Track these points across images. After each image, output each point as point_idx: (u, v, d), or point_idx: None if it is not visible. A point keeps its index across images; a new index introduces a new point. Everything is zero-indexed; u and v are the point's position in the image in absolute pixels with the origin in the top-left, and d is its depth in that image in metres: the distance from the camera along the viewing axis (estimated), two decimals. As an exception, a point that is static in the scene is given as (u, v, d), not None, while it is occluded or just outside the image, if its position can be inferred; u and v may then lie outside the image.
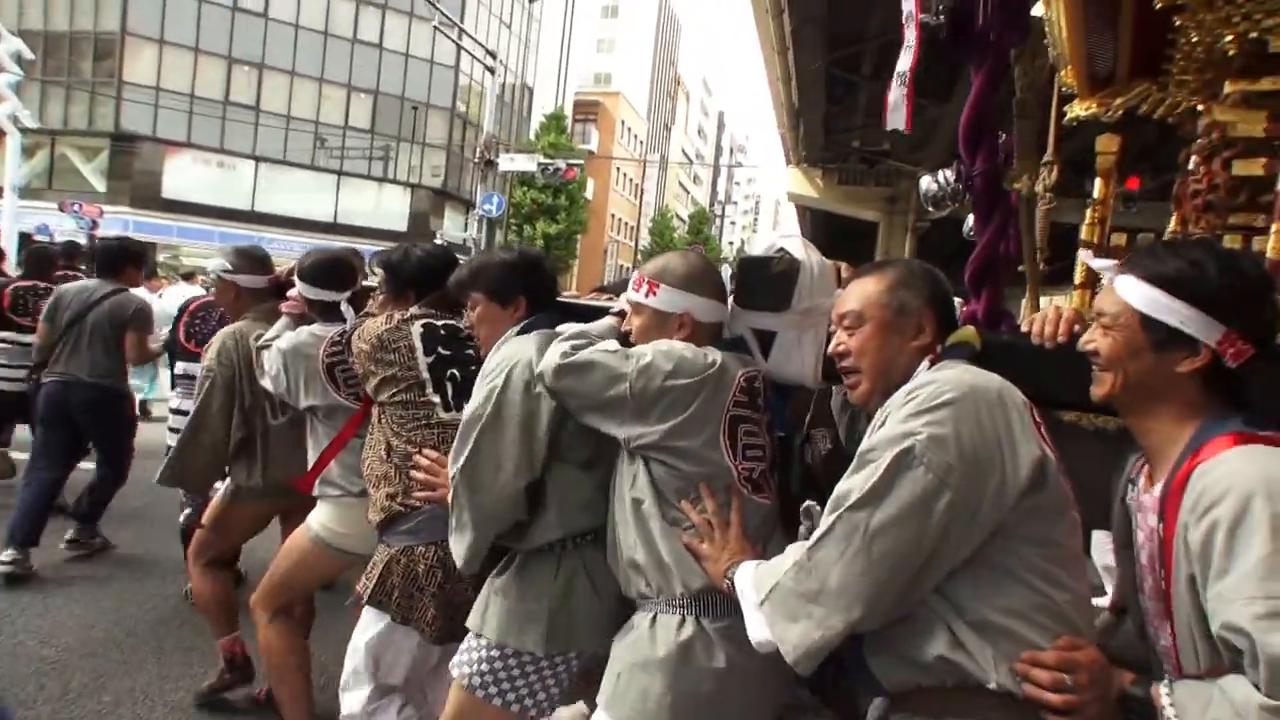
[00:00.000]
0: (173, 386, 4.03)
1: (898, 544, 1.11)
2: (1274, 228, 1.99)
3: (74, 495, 4.03)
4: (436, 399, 1.97)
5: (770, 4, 9.36)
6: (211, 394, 2.58)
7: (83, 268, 5.97)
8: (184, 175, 24.48)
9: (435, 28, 17.07)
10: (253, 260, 2.80)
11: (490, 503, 1.59)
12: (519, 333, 1.74)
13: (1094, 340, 1.19)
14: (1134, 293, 1.14)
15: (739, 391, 1.47)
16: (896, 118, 2.09)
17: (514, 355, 1.65)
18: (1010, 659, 1.10)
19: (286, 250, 16.23)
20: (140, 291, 4.47)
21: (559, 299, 1.95)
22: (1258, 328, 1.10)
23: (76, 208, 17.27)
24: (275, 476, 2.59)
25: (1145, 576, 1.17)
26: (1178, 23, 2.32)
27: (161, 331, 4.30)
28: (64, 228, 16.28)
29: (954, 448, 1.11)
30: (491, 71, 17.82)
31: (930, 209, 3.54)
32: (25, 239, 11.75)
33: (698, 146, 70.25)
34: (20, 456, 5.00)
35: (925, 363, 1.29)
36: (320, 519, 2.29)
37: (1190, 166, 2.45)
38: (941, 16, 1.97)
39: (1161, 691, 1.04)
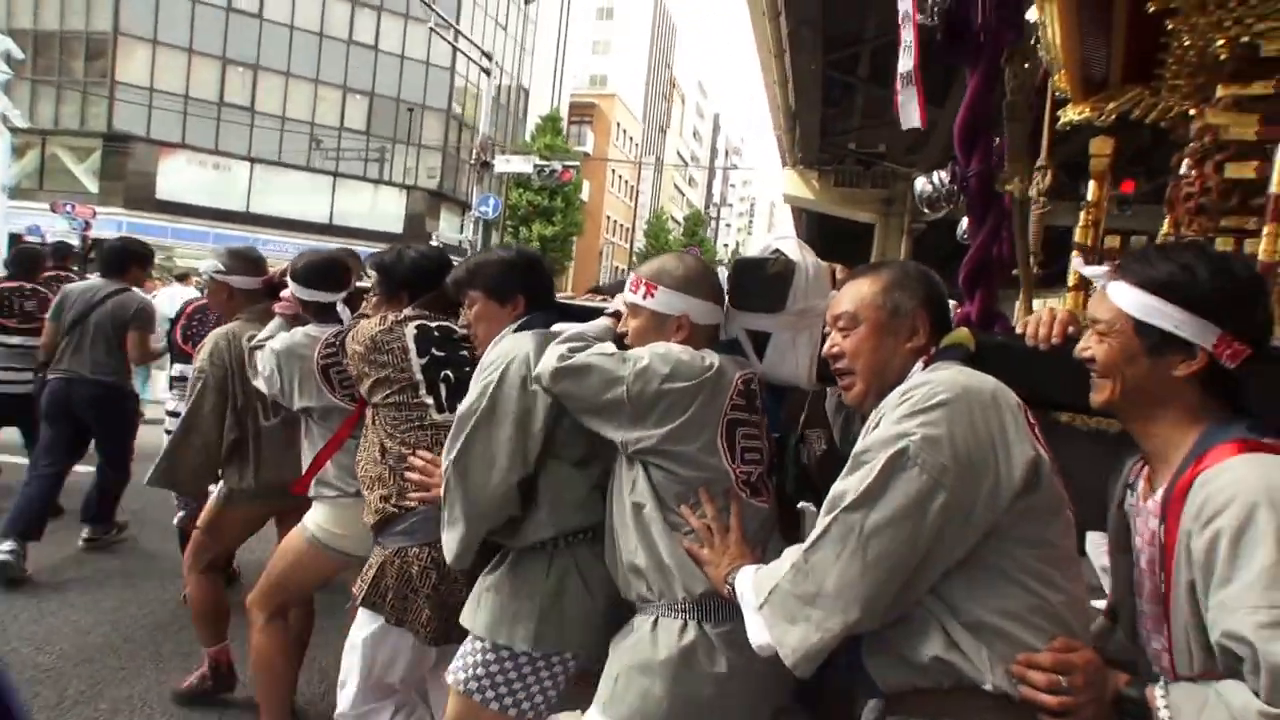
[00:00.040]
0: (170, 388, 4.02)
1: (893, 545, 1.11)
2: (1265, 230, 2.01)
3: (68, 498, 4.01)
4: (430, 400, 1.97)
5: (767, 7, 9.37)
6: (204, 395, 2.57)
7: (74, 269, 5.95)
8: (178, 176, 24.37)
9: (431, 29, 17.04)
10: (246, 261, 2.79)
11: (483, 497, 1.59)
12: (515, 330, 1.74)
13: (1090, 347, 1.19)
14: (1127, 298, 1.14)
15: (736, 394, 1.47)
16: (910, 118, 2.09)
17: (511, 351, 1.65)
18: (1006, 660, 1.10)
19: (282, 252, 16.20)
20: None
21: (555, 300, 1.95)
22: (1252, 329, 1.11)
23: (69, 209, 17.16)
24: (267, 478, 2.58)
25: (1144, 581, 1.17)
26: (1170, 26, 2.34)
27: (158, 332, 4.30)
28: (56, 229, 16.19)
29: (948, 448, 1.11)
30: (487, 73, 17.80)
31: (925, 210, 3.55)
32: (15, 240, 11.70)
33: (693, 149, 70.34)
34: (7, 460, 4.97)
35: (919, 364, 1.29)
36: (316, 519, 2.28)
37: (1183, 170, 2.46)
38: (935, 18, 1.98)
39: (1156, 693, 1.05)
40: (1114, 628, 1.30)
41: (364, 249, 3.42)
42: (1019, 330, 1.46)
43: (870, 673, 1.22)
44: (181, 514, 3.65)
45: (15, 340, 4.34)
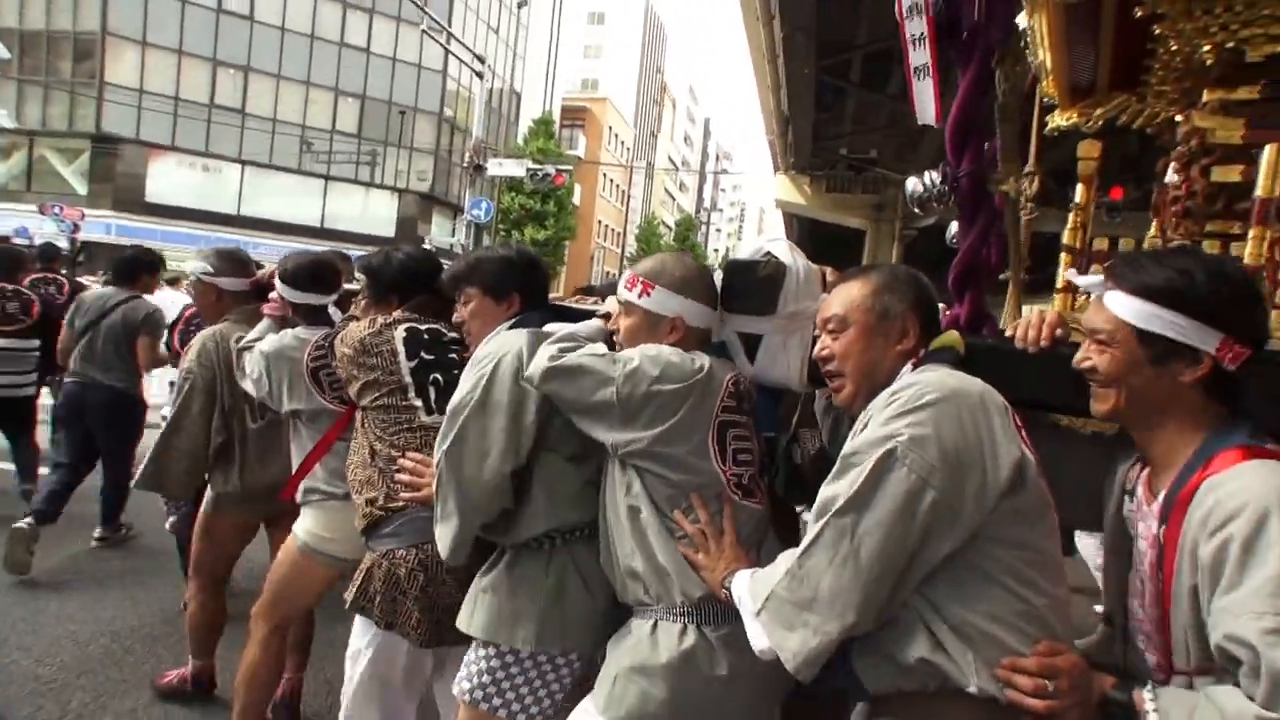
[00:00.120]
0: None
1: (885, 545, 1.11)
2: (1251, 234, 2.02)
3: (71, 504, 4.01)
4: (419, 403, 1.96)
5: (761, 12, 9.41)
6: (191, 396, 2.55)
7: (62, 271, 5.89)
8: (168, 179, 24.23)
9: (424, 32, 17.04)
10: (234, 262, 2.77)
11: (475, 489, 1.58)
12: (509, 329, 1.74)
13: (1090, 358, 1.19)
14: (1126, 308, 1.14)
15: (727, 395, 1.47)
16: (926, 112, 2.06)
17: (505, 346, 1.65)
18: (991, 664, 1.11)
19: (273, 255, 16.10)
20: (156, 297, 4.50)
21: (550, 301, 1.96)
22: (1250, 330, 1.11)
23: (57, 210, 17.03)
24: (252, 481, 2.57)
25: (1145, 584, 1.17)
26: (1157, 32, 2.36)
27: None
28: (45, 230, 16.07)
29: (935, 448, 1.11)
30: (480, 76, 17.80)
31: (916, 210, 3.56)
32: (2, 241, 11.58)
33: (684, 153, 70.55)
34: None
35: (909, 366, 1.30)
36: (305, 525, 2.26)
37: (1169, 174, 2.48)
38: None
39: (1145, 697, 1.05)
40: (1113, 634, 1.30)
41: (356, 252, 3.41)
42: (1009, 333, 1.46)
43: (858, 674, 1.22)
44: (172, 518, 3.62)
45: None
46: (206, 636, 2.72)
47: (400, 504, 1.88)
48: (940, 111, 2.05)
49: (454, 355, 1.99)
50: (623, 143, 50.62)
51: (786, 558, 1.21)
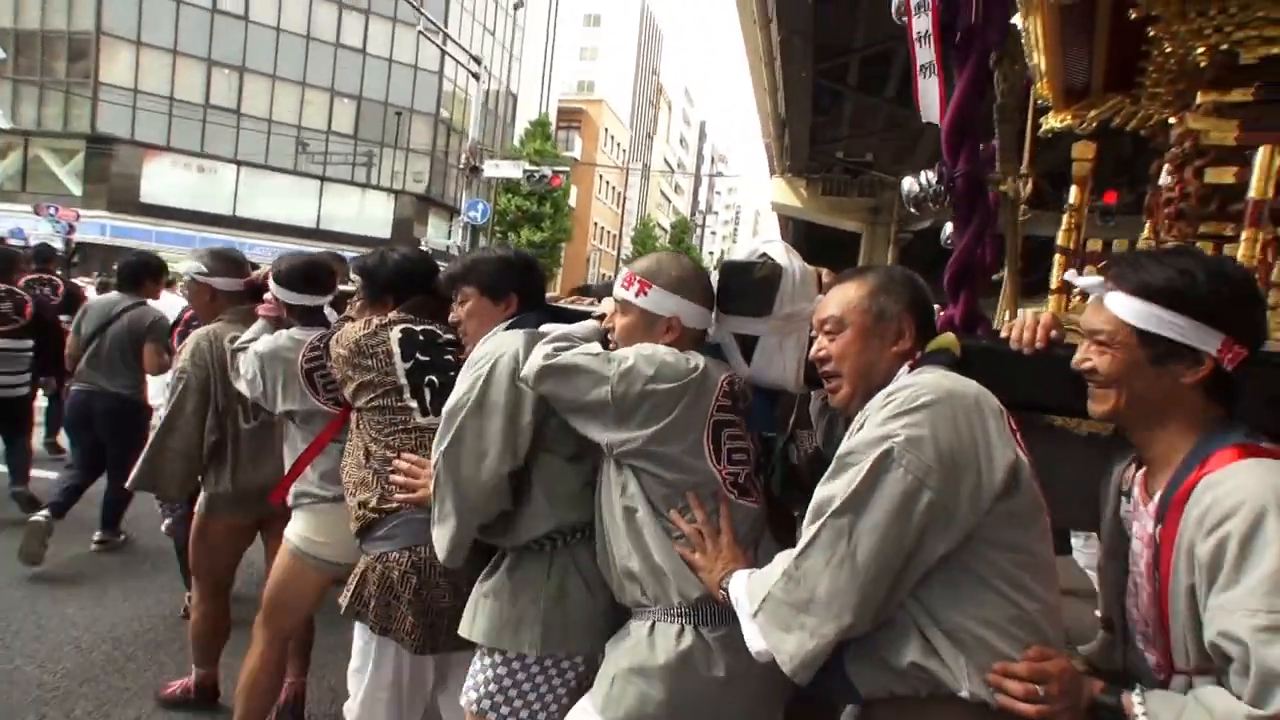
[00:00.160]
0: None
1: (882, 546, 1.11)
2: (1244, 235, 2.03)
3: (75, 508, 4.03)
4: (414, 404, 1.95)
5: (758, 15, 9.41)
6: (185, 396, 2.53)
7: (57, 272, 5.87)
8: (163, 179, 24.16)
9: (420, 33, 17.03)
10: (228, 262, 2.76)
11: (473, 490, 1.57)
12: (506, 329, 1.74)
13: (1090, 359, 1.19)
14: (1126, 308, 1.14)
15: (722, 395, 1.47)
16: (930, 110, 2.05)
17: (501, 347, 1.64)
18: (982, 669, 1.11)
19: (268, 256, 16.08)
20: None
21: (547, 302, 1.95)
22: (1251, 330, 1.12)
23: (52, 211, 16.97)
24: (245, 482, 2.55)
25: (1142, 585, 1.17)
26: (1151, 34, 2.37)
27: None
28: (40, 231, 16.01)
29: (931, 449, 1.11)
30: (476, 77, 17.79)
31: (912, 210, 3.56)
32: (-3, 242, 11.53)
33: (679, 156, 70.61)
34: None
35: (905, 368, 1.30)
36: (296, 529, 2.25)
37: (1163, 176, 2.49)
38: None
39: (1134, 700, 1.05)
40: (1114, 640, 1.30)
41: (351, 253, 3.40)
42: (1003, 334, 1.47)
43: (851, 678, 1.22)
44: (168, 520, 3.60)
45: None
46: (210, 644, 2.70)
47: (394, 505, 1.87)
48: (945, 108, 2.05)
49: (449, 356, 1.98)
50: (619, 145, 50.66)
51: (784, 558, 1.21)
